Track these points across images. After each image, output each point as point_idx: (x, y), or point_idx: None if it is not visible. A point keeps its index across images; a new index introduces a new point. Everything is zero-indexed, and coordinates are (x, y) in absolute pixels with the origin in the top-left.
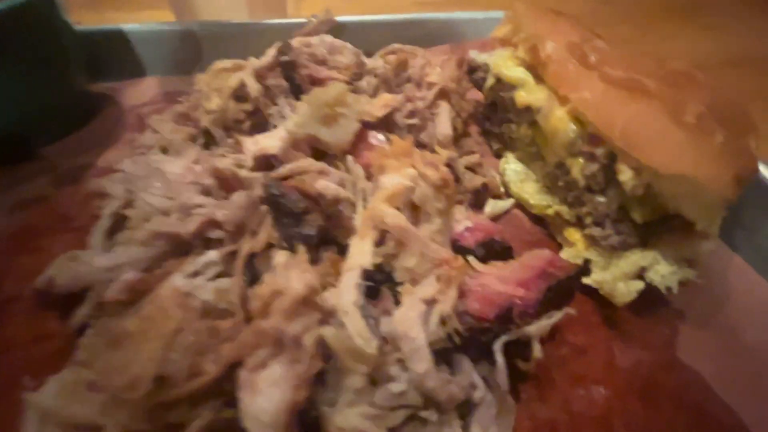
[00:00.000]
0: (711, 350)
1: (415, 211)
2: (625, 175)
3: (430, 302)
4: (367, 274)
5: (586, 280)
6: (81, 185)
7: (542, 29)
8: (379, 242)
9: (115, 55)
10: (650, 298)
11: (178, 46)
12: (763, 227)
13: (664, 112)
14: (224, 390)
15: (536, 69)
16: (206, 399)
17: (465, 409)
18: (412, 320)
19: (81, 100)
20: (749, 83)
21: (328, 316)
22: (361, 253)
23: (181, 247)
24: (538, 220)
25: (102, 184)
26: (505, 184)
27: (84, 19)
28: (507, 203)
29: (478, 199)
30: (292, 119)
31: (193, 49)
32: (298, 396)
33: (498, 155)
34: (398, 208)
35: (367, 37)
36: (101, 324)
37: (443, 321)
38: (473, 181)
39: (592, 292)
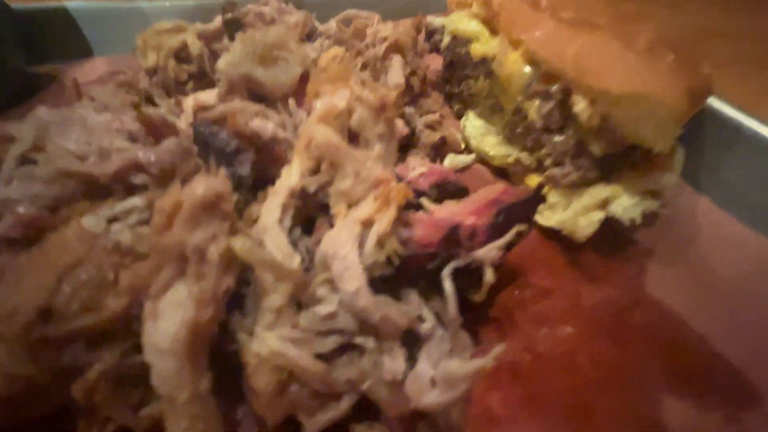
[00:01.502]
0: (682, 286)
1: (354, 140)
2: (580, 105)
3: (367, 224)
4: (302, 208)
5: (548, 223)
6: None
7: None
8: (315, 172)
9: (59, 35)
10: (616, 240)
11: (127, 24)
12: (726, 163)
13: (615, 40)
14: (133, 331)
15: (491, 22)
16: (109, 340)
17: (412, 342)
18: (344, 239)
19: (15, 79)
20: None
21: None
22: (288, 175)
23: (97, 191)
24: (501, 173)
25: (7, 127)
26: (466, 141)
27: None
28: (468, 158)
29: (439, 154)
30: (224, 58)
31: (142, 27)
32: (202, 315)
33: (460, 116)
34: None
35: (327, 13)
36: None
37: (381, 243)
38: (431, 136)
39: (554, 236)
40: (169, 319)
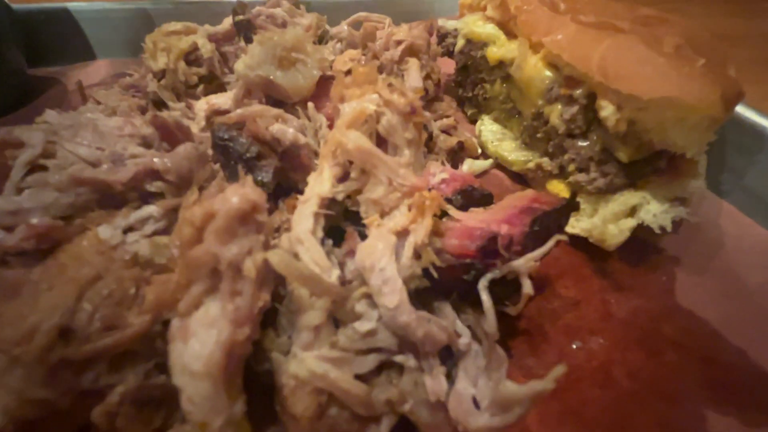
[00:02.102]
0: (711, 295)
1: (382, 145)
2: (607, 110)
3: (402, 234)
4: (330, 217)
5: (573, 230)
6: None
7: None
8: (343, 179)
9: (61, 36)
10: (642, 248)
11: (131, 27)
12: (750, 169)
13: (641, 43)
14: (156, 350)
15: (506, 25)
16: (132, 360)
17: (448, 359)
18: (381, 251)
19: (17, 81)
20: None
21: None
22: (319, 183)
23: (111, 200)
24: (519, 178)
25: (16, 132)
26: (482, 145)
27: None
28: (486, 163)
29: (454, 159)
30: (242, 61)
31: (147, 30)
32: (238, 334)
33: (473, 120)
34: None
35: (334, 17)
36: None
37: (417, 254)
38: (448, 141)
39: (581, 245)
40: (202, 339)
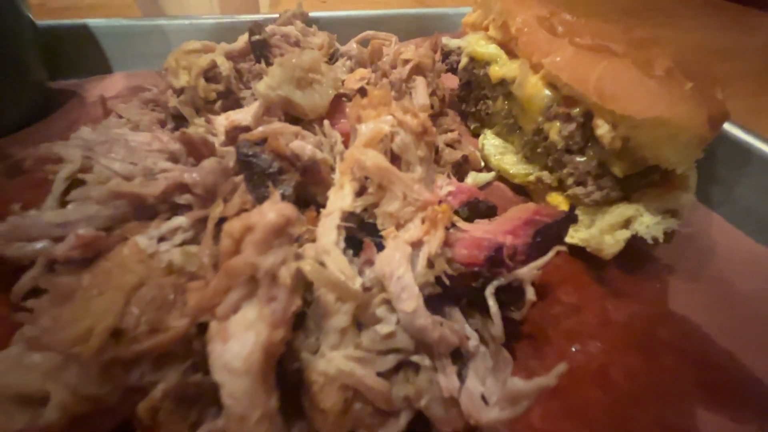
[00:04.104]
0: (704, 301)
1: (395, 162)
2: (603, 129)
3: (416, 244)
4: (348, 229)
5: (572, 240)
6: (37, 174)
7: (511, 6)
8: (359, 193)
9: (80, 51)
10: (637, 256)
11: (146, 42)
12: (738, 182)
13: (634, 66)
14: (193, 351)
15: (508, 45)
16: (172, 360)
17: (459, 360)
18: (398, 260)
19: (38, 95)
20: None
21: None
22: (341, 197)
23: (144, 212)
24: (520, 190)
25: (55, 148)
26: (485, 159)
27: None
28: (489, 175)
29: (459, 172)
30: (264, 82)
31: (161, 45)
32: (275, 336)
33: (476, 134)
34: None
35: (339, 33)
36: (49, 280)
37: (430, 263)
38: (453, 154)
39: (579, 254)
40: (241, 340)
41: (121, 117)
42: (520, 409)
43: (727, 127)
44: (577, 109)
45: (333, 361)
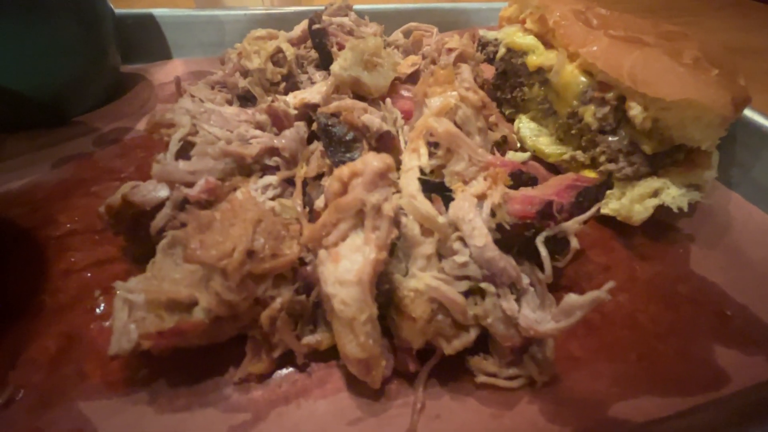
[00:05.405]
0: (721, 264)
1: None
2: (635, 110)
3: (481, 197)
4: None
5: (604, 210)
6: (122, 144)
7: (548, 1)
8: (429, 156)
9: (146, 38)
10: (662, 226)
11: (204, 31)
12: (755, 164)
13: (665, 55)
14: (298, 276)
15: (544, 37)
16: (285, 281)
17: (514, 294)
18: (468, 207)
19: (114, 76)
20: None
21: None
22: (416, 158)
23: (243, 169)
24: (553, 169)
25: (168, 115)
26: (521, 140)
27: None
28: (525, 155)
29: (499, 151)
30: (337, 63)
31: (217, 34)
32: (380, 256)
33: (510, 120)
34: None
35: (382, 24)
36: (191, 213)
37: (493, 212)
38: (492, 135)
39: (608, 222)
40: (351, 259)
41: (193, 97)
42: (573, 319)
43: (748, 112)
44: (611, 94)
45: (422, 279)
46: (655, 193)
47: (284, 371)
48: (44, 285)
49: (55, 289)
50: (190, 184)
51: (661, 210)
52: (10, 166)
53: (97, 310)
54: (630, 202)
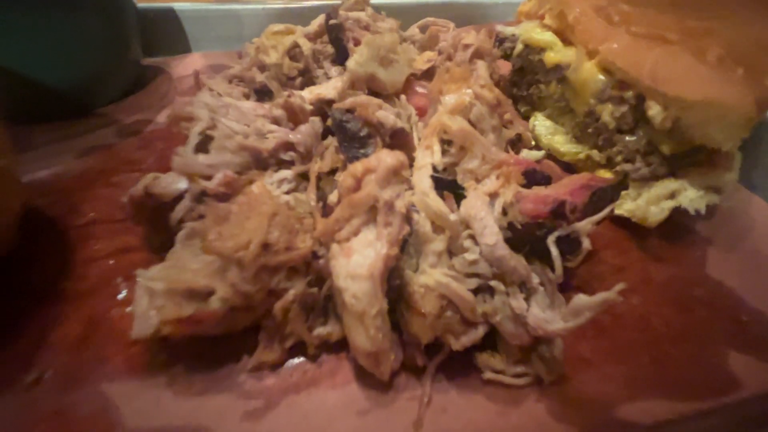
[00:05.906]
0: (738, 269)
1: None
2: (654, 110)
3: (493, 195)
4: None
5: (618, 211)
6: (142, 136)
7: None
8: (442, 153)
9: (166, 32)
10: (678, 228)
11: (222, 25)
12: None
13: (687, 53)
14: (312, 269)
15: (563, 33)
16: (299, 274)
17: (523, 293)
18: (480, 205)
19: (135, 69)
20: None
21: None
22: (429, 155)
23: (260, 163)
24: (568, 168)
25: (188, 108)
26: (536, 138)
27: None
28: (539, 153)
29: (512, 149)
30: (352, 59)
31: (235, 29)
32: (392, 251)
33: (526, 117)
34: None
35: (398, 19)
36: (209, 206)
37: (504, 211)
38: (507, 133)
39: (624, 223)
40: (363, 254)
41: (212, 90)
42: (582, 319)
43: None
44: (630, 93)
45: (433, 275)
46: (672, 195)
47: (296, 361)
48: (68, 272)
49: (78, 276)
50: (208, 177)
51: (679, 212)
52: (38, 156)
53: (119, 297)
54: (645, 204)
